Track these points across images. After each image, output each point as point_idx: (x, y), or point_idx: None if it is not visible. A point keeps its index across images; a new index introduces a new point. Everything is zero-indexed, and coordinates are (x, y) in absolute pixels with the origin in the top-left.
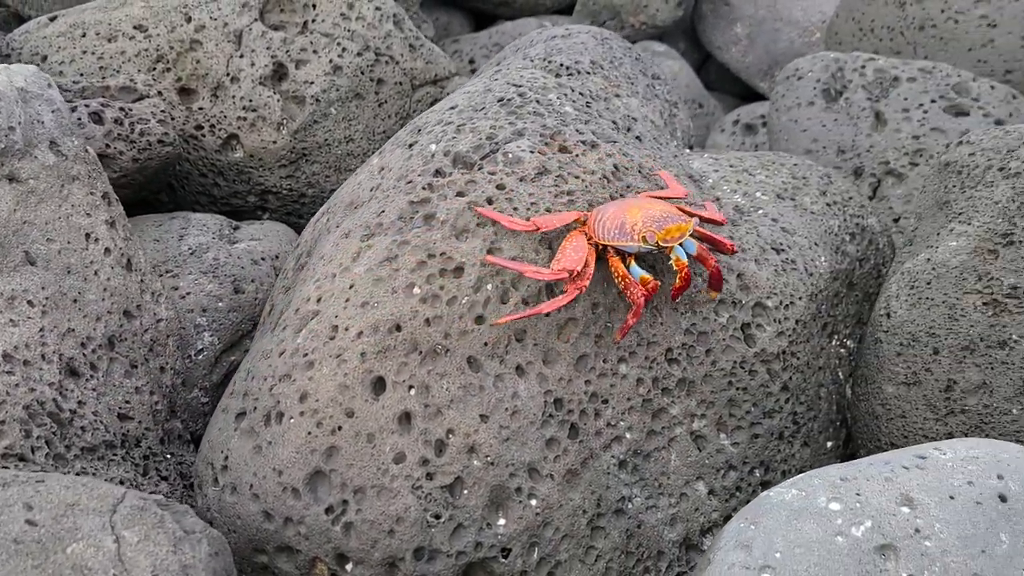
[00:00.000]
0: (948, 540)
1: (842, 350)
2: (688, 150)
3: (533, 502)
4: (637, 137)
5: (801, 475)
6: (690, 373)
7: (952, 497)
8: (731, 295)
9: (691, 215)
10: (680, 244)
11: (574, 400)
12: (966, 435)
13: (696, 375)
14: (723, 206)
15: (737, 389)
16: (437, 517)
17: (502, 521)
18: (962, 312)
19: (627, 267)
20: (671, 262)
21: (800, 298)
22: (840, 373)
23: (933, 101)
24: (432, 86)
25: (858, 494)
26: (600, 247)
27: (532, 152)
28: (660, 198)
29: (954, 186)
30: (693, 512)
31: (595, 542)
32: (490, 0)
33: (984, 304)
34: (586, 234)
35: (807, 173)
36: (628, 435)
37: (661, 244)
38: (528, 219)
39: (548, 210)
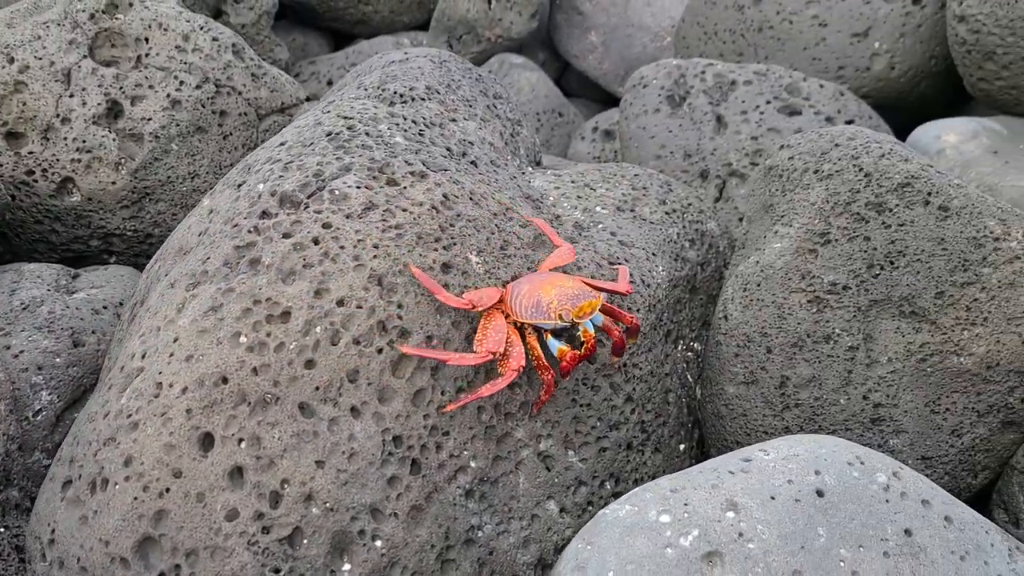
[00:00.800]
0: (770, 540)
1: (689, 354)
2: (532, 168)
3: (378, 543)
4: (472, 162)
5: (635, 490)
6: (532, 395)
7: (773, 498)
8: None
9: (599, 289)
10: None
11: (413, 436)
12: (802, 428)
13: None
14: (564, 223)
15: (581, 406)
16: (276, 571)
17: (347, 566)
18: (789, 311)
19: (544, 342)
20: (579, 333)
21: (638, 310)
22: (689, 376)
23: (768, 102)
24: (279, 114)
25: (686, 504)
26: (519, 324)
27: (359, 187)
28: (558, 267)
29: (777, 190)
30: (546, 532)
31: (446, 575)
32: (346, 19)
33: (808, 302)
34: (503, 311)
35: (647, 183)
36: (473, 464)
37: (575, 321)
38: (460, 294)
39: (376, 246)
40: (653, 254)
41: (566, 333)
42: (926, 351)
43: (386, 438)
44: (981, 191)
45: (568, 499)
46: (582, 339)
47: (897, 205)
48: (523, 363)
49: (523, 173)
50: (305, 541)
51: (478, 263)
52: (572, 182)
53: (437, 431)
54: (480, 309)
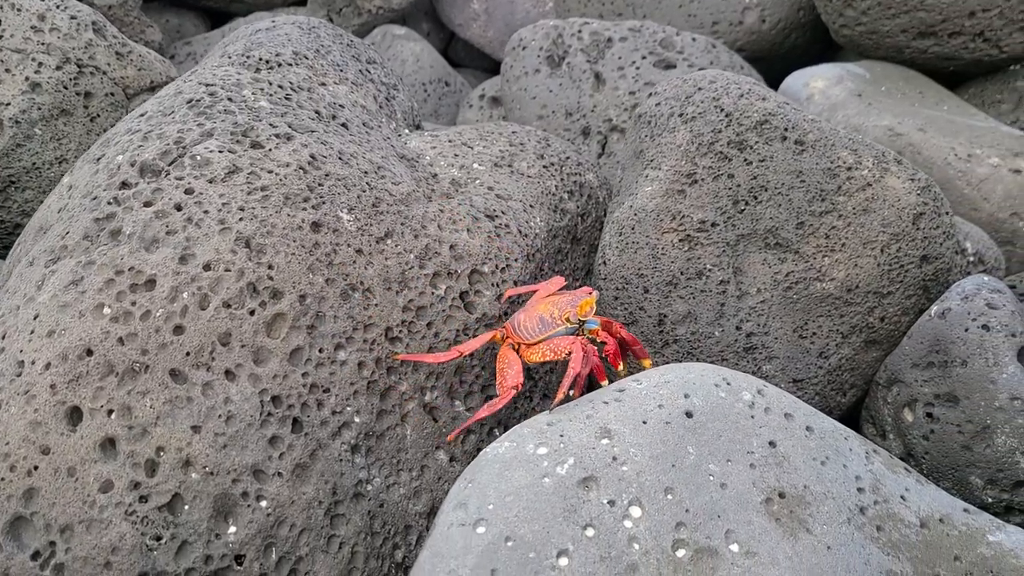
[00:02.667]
0: (642, 462)
1: None
2: (410, 130)
3: (263, 503)
4: (343, 124)
5: (515, 427)
6: (414, 348)
7: (645, 422)
8: (446, 267)
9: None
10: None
11: (293, 395)
12: (681, 363)
13: (420, 349)
14: (440, 181)
15: (464, 356)
16: (158, 539)
17: (232, 529)
18: (663, 251)
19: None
20: (588, 335)
21: (516, 259)
22: None
23: (644, 57)
24: (149, 93)
25: (562, 435)
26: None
27: (222, 152)
28: (551, 295)
29: (646, 135)
30: (436, 481)
31: (336, 530)
32: None
33: (680, 241)
34: (512, 345)
35: (525, 139)
36: (357, 419)
37: (582, 319)
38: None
39: (241, 209)
40: (531, 205)
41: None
42: (791, 279)
43: (264, 399)
44: (833, 125)
45: (457, 448)
46: (596, 338)
47: (757, 142)
48: (521, 381)
49: (399, 135)
50: (186, 507)
51: (350, 221)
52: (449, 141)
53: (318, 388)
54: (467, 352)
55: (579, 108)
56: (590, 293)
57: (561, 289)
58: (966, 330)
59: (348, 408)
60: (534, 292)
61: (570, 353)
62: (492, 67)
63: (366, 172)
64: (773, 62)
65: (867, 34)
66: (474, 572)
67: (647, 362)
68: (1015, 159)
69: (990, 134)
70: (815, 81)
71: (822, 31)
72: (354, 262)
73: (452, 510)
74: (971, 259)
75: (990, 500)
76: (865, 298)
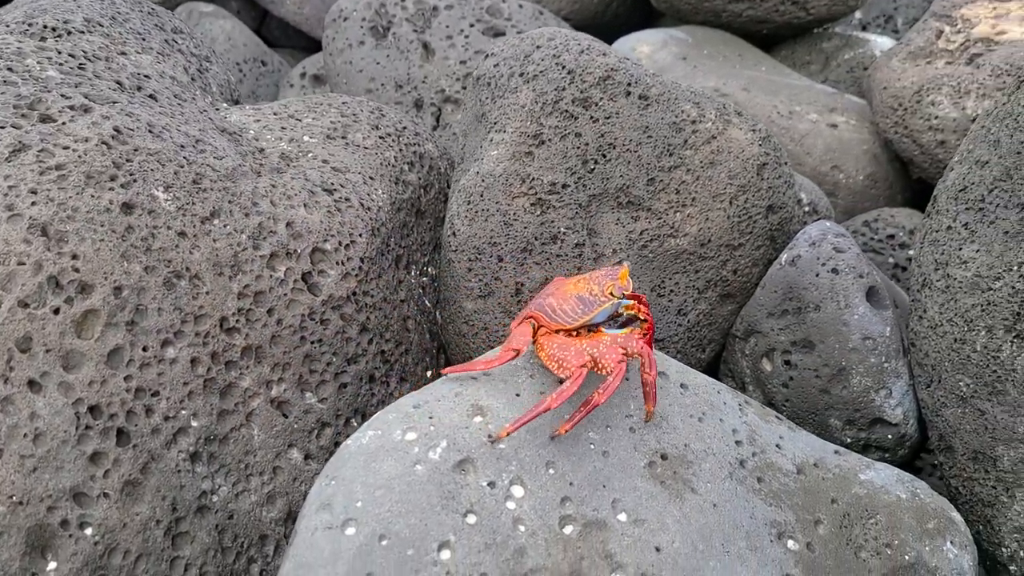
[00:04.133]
0: (519, 437)
1: (424, 279)
2: (228, 104)
3: (88, 531)
4: (151, 95)
5: (377, 414)
6: (254, 339)
7: (518, 395)
8: (284, 246)
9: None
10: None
11: (115, 402)
12: None
13: (262, 339)
14: (268, 156)
15: (312, 343)
16: None
17: (52, 564)
18: (514, 216)
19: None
20: (623, 312)
21: (360, 235)
22: (427, 301)
23: (472, 25)
24: None
25: (431, 417)
26: (573, 333)
27: (3, 127)
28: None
29: (487, 98)
30: (292, 483)
31: (179, 551)
32: None
33: (532, 205)
34: (549, 333)
35: (357, 110)
36: (195, 423)
37: (625, 292)
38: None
39: (34, 191)
40: (371, 178)
41: (616, 320)
42: (646, 237)
43: (79, 410)
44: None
45: (312, 444)
46: (630, 314)
47: (602, 99)
48: (587, 358)
49: (217, 109)
50: None
51: (167, 200)
52: (274, 114)
53: (145, 392)
54: (525, 348)
55: (409, 80)
56: (621, 264)
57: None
58: (816, 275)
59: (183, 412)
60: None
61: (611, 371)
62: (310, 46)
63: (182, 146)
64: (597, 30)
65: (685, 0)
66: None
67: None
68: (831, 114)
69: (807, 92)
70: (641, 46)
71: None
72: (177, 246)
73: (315, 513)
74: (807, 209)
75: (849, 440)
76: (718, 251)
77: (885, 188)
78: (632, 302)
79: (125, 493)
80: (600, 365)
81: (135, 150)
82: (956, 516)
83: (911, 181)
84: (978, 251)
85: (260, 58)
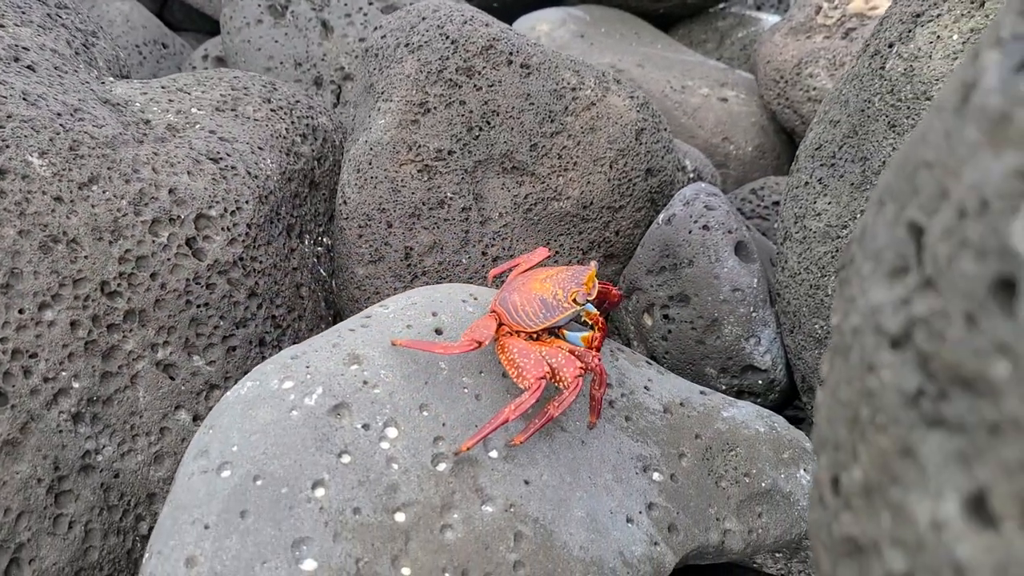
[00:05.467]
0: (394, 383)
1: (319, 248)
2: (115, 79)
3: None
4: (28, 67)
5: (257, 366)
6: (137, 303)
7: (393, 344)
8: (166, 212)
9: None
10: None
11: None
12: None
13: (146, 303)
14: (154, 127)
15: (198, 307)
16: None
17: None
18: (402, 183)
19: (563, 339)
20: (583, 318)
21: (247, 201)
22: (323, 271)
23: (370, 3)
24: None
25: (308, 367)
26: (534, 336)
27: None
28: (528, 269)
29: (375, 69)
30: (181, 444)
31: (63, 509)
32: None
33: (419, 171)
34: (510, 333)
35: (248, 84)
36: (76, 384)
37: (589, 298)
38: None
39: None
40: (259, 148)
41: (578, 323)
42: (530, 201)
43: None
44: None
45: (201, 405)
46: (589, 321)
47: (484, 67)
48: (546, 369)
49: (102, 82)
50: None
51: (42, 166)
52: (162, 87)
53: (22, 354)
54: (487, 342)
55: (308, 58)
56: (588, 265)
57: (543, 261)
58: (690, 232)
59: (63, 373)
60: (515, 266)
61: (568, 386)
62: (214, 29)
63: (59, 114)
64: (503, 10)
65: None
66: (222, 518)
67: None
68: (722, 89)
69: (699, 67)
70: (540, 24)
71: None
72: (53, 211)
73: (192, 460)
74: (691, 176)
75: (723, 387)
76: (600, 213)
77: (773, 158)
78: (593, 310)
79: (4, 452)
80: (559, 377)
81: (8, 116)
82: (810, 446)
83: (795, 154)
84: (829, 203)
85: (161, 40)
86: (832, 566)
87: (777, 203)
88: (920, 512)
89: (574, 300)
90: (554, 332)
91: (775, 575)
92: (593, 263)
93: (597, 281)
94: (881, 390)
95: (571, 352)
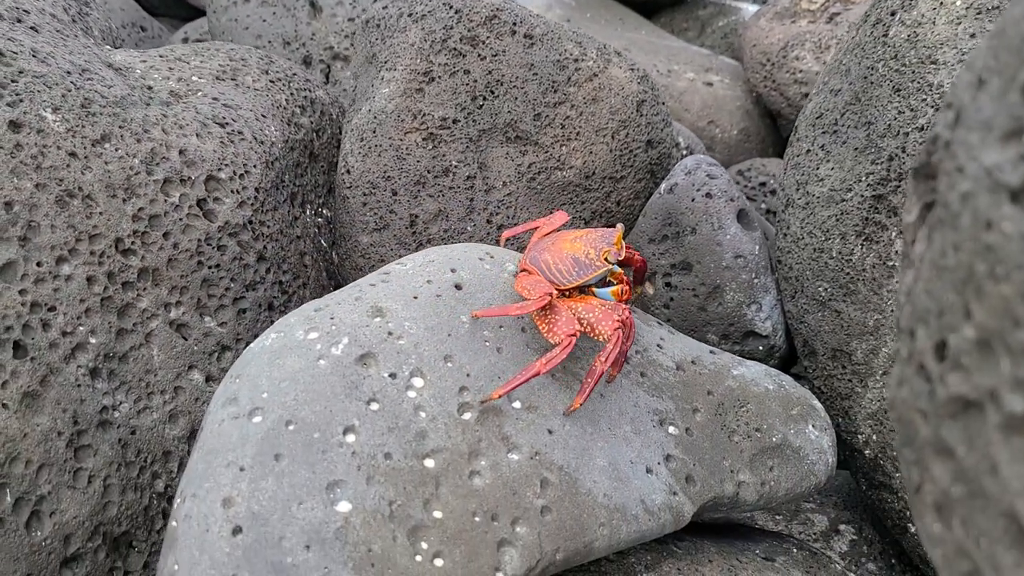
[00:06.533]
0: (418, 334)
1: (319, 219)
2: (111, 48)
3: None
4: (32, 28)
5: (279, 320)
6: (151, 261)
7: (416, 297)
8: (177, 173)
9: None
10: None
11: (10, 315)
12: (441, 245)
13: (159, 262)
14: (157, 92)
15: (209, 268)
16: None
17: None
18: (407, 151)
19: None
20: (610, 279)
21: (255, 166)
22: (323, 241)
23: None
24: None
25: (332, 318)
26: (565, 294)
27: None
28: (548, 233)
29: (377, 39)
30: (195, 403)
31: (82, 463)
32: None
33: (423, 139)
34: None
35: (246, 55)
36: (93, 340)
37: (620, 257)
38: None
39: None
40: (263, 115)
41: (606, 281)
42: (534, 170)
43: None
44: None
45: (213, 366)
46: (615, 281)
47: (488, 37)
48: (576, 327)
49: (101, 48)
50: None
51: (56, 121)
52: (160, 56)
53: (40, 307)
54: (556, 294)
55: (297, 37)
56: (616, 226)
57: (564, 225)
58: (692, 200)
59: (81, 328)
60: (533, 228)
61: (609, 338)
62: (191, 15)
63: (68, 72)
64: None
65: None
66: (256, 460)
67: (639, 288)
68: (707, 73)
69: (683, 53)
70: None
71: None
72: (68, 166)
73: (221, 407)
74: (684, 152)
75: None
76: (602, 183)
77: (757, 141)
78: (619, 270)
79: (24, 404)
80: (596, 331)
81: (20, 71)
82: (817, 403)
83: (780, 136)
84: (832, 168)
85: (139, 23)
86: (934, 431)
87: (763, 184)
88: None
89: (606, 259)
90: (583, 291)
91: (778, 533)
92: (620, 225)
93: (625, 245)
94: (1002, 242)
95: (604, 306)
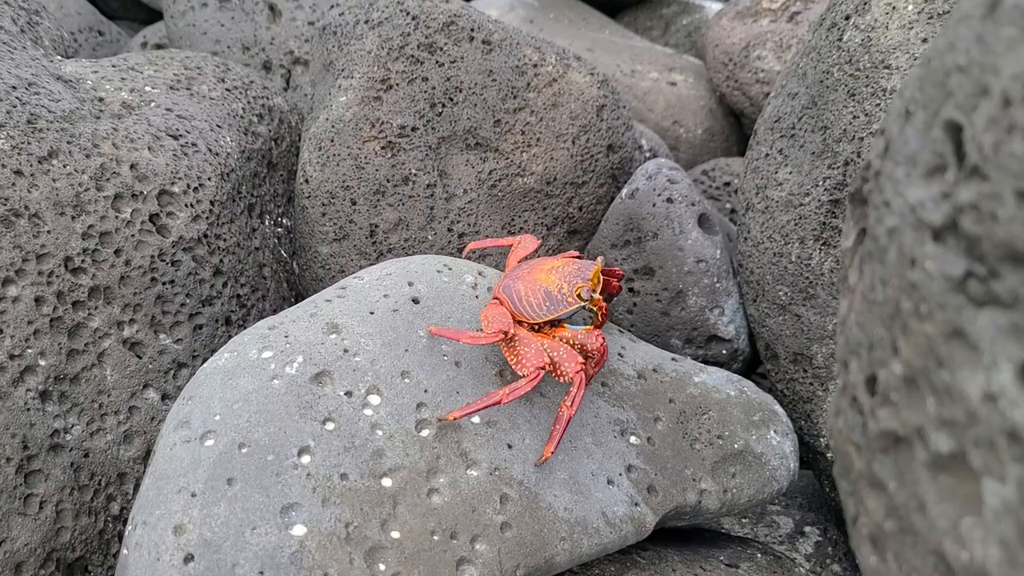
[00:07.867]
0: (375, 350)
1: (279, 229)
2: (62, 58)
3: None
4: None
5: (233, 338)
6: (102, 279)
7: (372, 312)
8: (128, 188)
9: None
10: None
11: None
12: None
13: (111, 280)
14: (108, 104)
15: (163, 284)
16: None
17: None
18: (366, 159)
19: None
20: (590, 308)
21: (210, 178)
22: (283, 252)
23: None
24: None
25: (286, 336)
26: (536, 327)
27: None
28: (526, 257)
29: (334, 46)
30: (150, 423)
31: (33, 488)
32: None
33: (382, 148)
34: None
35: (201, 63)
36: (42, 362)
37: (594, 294)
38: (484, 330)
39: None
40: (218, 126)
41: (580, 314)
42: (494, 177)
43: None
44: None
45: (169, 384)
46: (593, 308)
47: (446, 44)
48: (546, 360)
49: (51, 60)
50: None
51: (1, 140)
52: (113, 66)
53: None
54: (512, 332)
55: (257, 42)
56: (595, 260)
57: (536, 251)
58: (653, 205)
59: (29, 350)
60: (499, 246)
61: (571, 379)
62: (150, 18)
63: (14, 87)
64: None
65: None
66: (208, 485)
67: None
68: (670, 73)
69: (647, 52)
70: (489, 10)
71: None
72: (13, 185)
73: (173, 430)
74: (647, 155)
75: (689, 358)
76: (563, 189)
77: (722, 141)
78: (596, 297)
79: None
80: (560, 372)
81: None
82: (778, 408)
83: (744, 135)
84: (791, 172)
85: (96, 27)
86: (867, 464)
87: (728, 183)
88: (971, 388)
89: (578, 295)
90: (556, 323)
91: (742, 538)
92: (600, 258)
93: (602, 277)
94: (925, 281)
95: (573, 341)
